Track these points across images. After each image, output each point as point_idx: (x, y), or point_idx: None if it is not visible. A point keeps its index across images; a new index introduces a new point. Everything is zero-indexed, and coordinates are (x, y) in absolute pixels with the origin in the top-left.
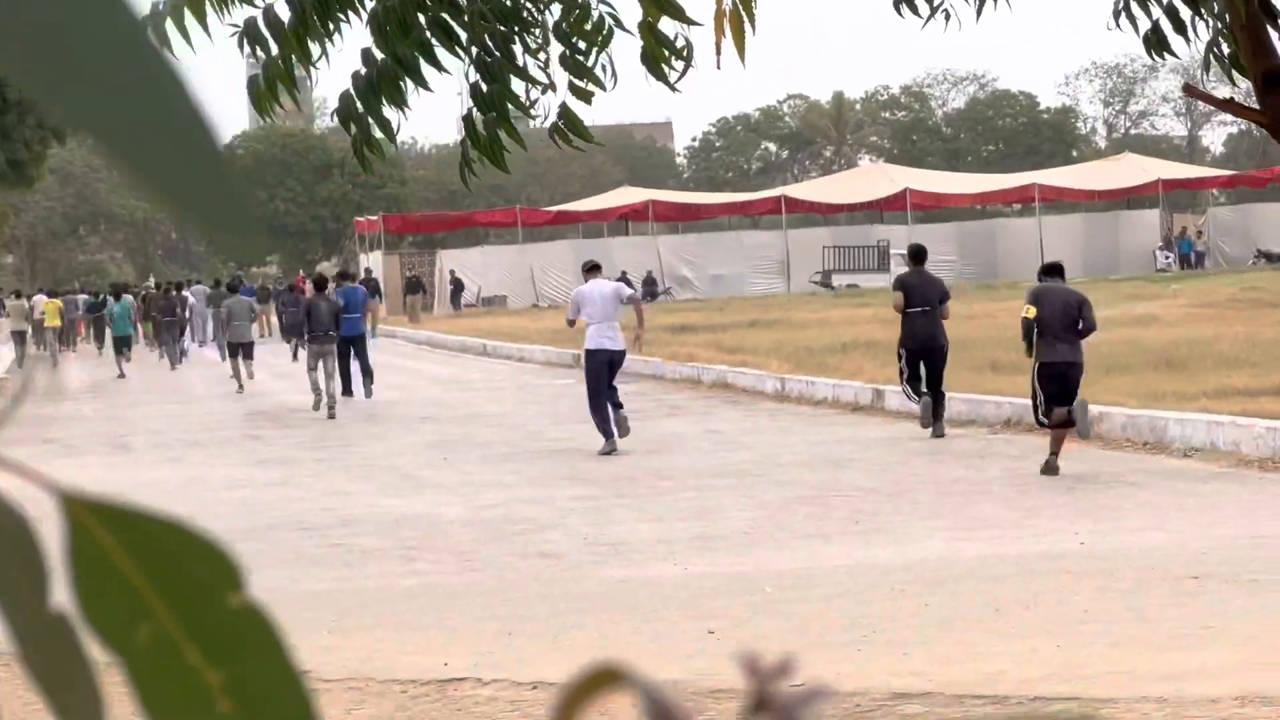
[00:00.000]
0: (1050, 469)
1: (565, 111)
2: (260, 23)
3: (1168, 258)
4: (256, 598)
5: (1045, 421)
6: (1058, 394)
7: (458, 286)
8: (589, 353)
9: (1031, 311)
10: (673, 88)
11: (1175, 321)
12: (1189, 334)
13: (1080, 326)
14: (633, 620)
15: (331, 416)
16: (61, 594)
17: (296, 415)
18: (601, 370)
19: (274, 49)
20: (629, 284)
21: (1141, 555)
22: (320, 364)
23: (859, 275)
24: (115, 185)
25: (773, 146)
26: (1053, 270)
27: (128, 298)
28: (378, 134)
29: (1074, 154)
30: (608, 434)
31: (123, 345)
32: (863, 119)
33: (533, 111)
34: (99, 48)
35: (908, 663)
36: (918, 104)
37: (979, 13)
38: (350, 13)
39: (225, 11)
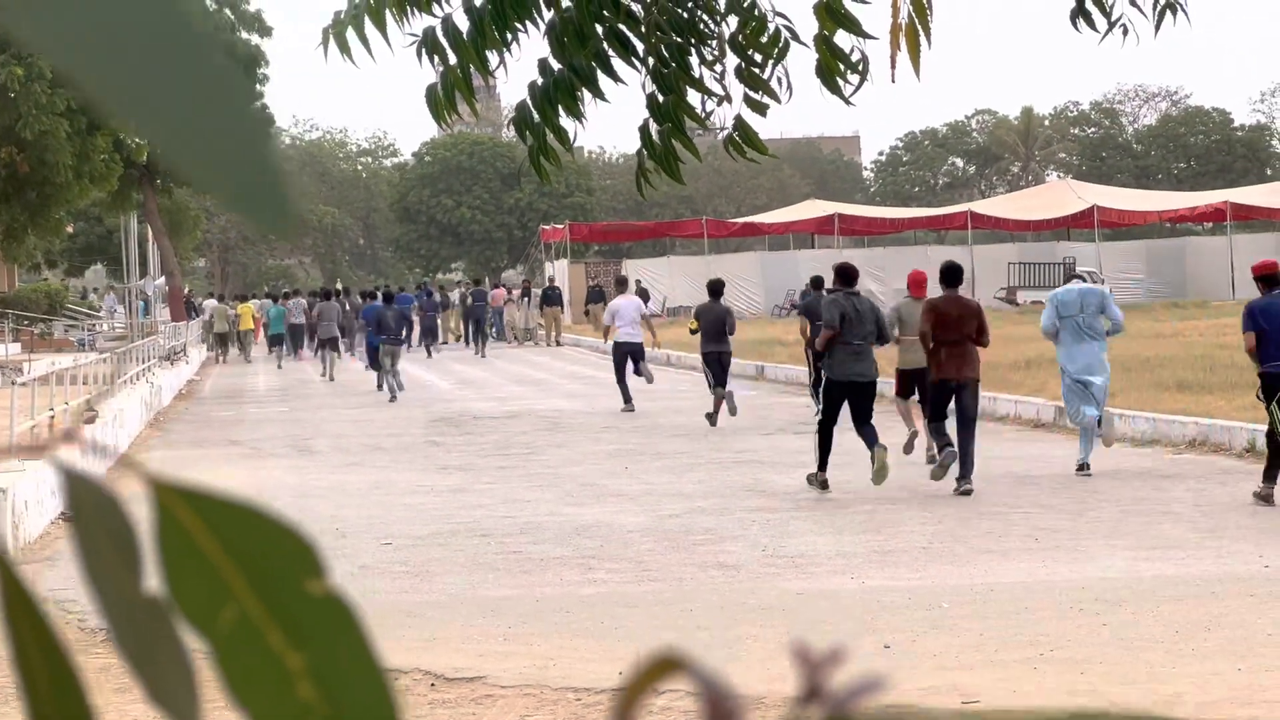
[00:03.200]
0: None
1: (740, 123)
2: (439, 32)
3: None
4: (337, 585)
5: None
6: None
7: (644, 297)
8: (617, 344)
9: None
10: (847, 101)
11: None
12: None
13: None
14: (809, 633)
15: (393, 400)
16: (153, 580)
17: (479, 422)
18: (624, 356)
19: (452, 58)
20: (646, 299)
21: None
22: (389, 360)
23: (1044, 292)
24: (305, 190)
25: (960, 162)
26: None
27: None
28: (554, 144)
29: (1268, 172)
30: (627, 398)
31: (277, 343)
32: (1051, 135)
33: (708, 123)
34: (136, 25)
35: (1084, 682)
36: (1108, 120)
37: (1158, 26)
38: (528, 23)
39: (405, 21)
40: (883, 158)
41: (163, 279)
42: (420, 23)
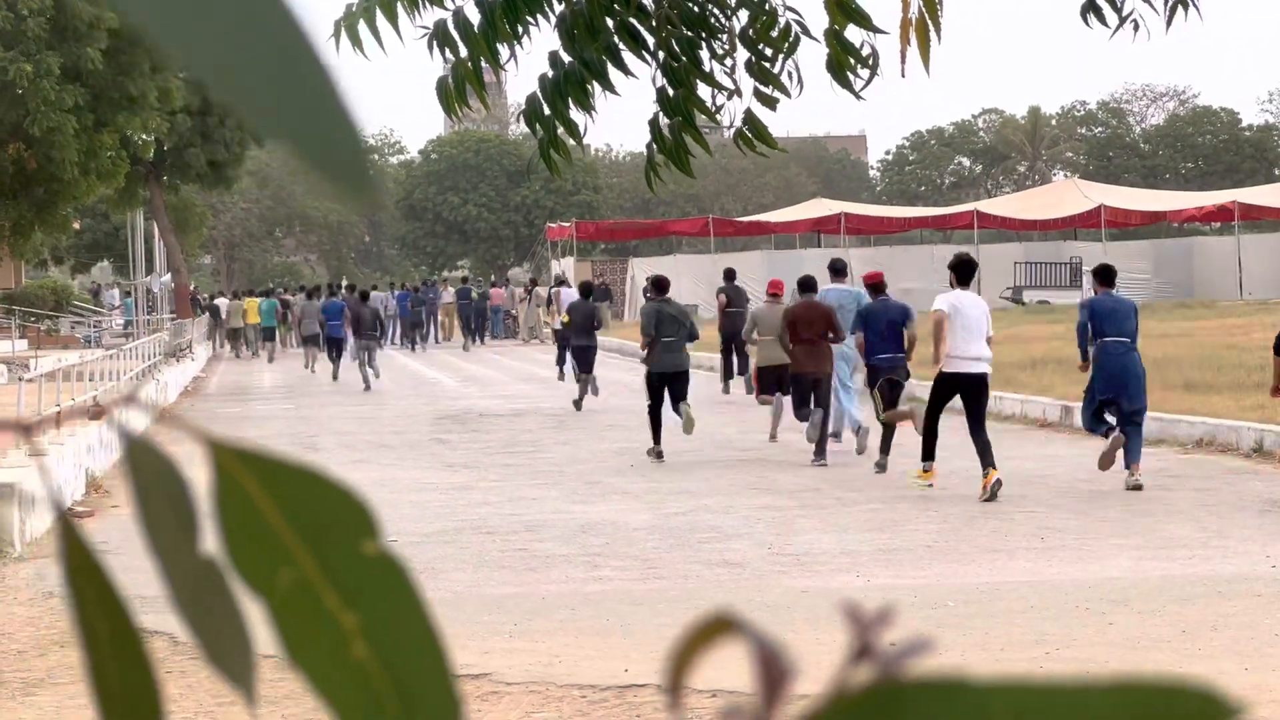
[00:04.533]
0: None
1: (750, 117)
2: (450, 24)
3: None
4: (390, 547)
5: None
6: None
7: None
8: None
9: None
10: (858, 96)
11: None
12: None
13: None
14: (815, 630)
15: (366, 389)
16: (210, 541)
17: (485, 420)
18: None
19: (463, 51)
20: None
21: None
22: (365, 354)
23: (1050, 292)
24: (311, 188)
25: (966, 161)
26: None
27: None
28: (564, 137)
29: (1276, 172)
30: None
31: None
32: (1058, 134)
33: (718, 117)
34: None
35: None
36: (1115, 120)
37: (1169, 22)
38: (539, 16)
39: (416, 13)
40: (889, 157)
41: (169, 276)
42: (431, 15)
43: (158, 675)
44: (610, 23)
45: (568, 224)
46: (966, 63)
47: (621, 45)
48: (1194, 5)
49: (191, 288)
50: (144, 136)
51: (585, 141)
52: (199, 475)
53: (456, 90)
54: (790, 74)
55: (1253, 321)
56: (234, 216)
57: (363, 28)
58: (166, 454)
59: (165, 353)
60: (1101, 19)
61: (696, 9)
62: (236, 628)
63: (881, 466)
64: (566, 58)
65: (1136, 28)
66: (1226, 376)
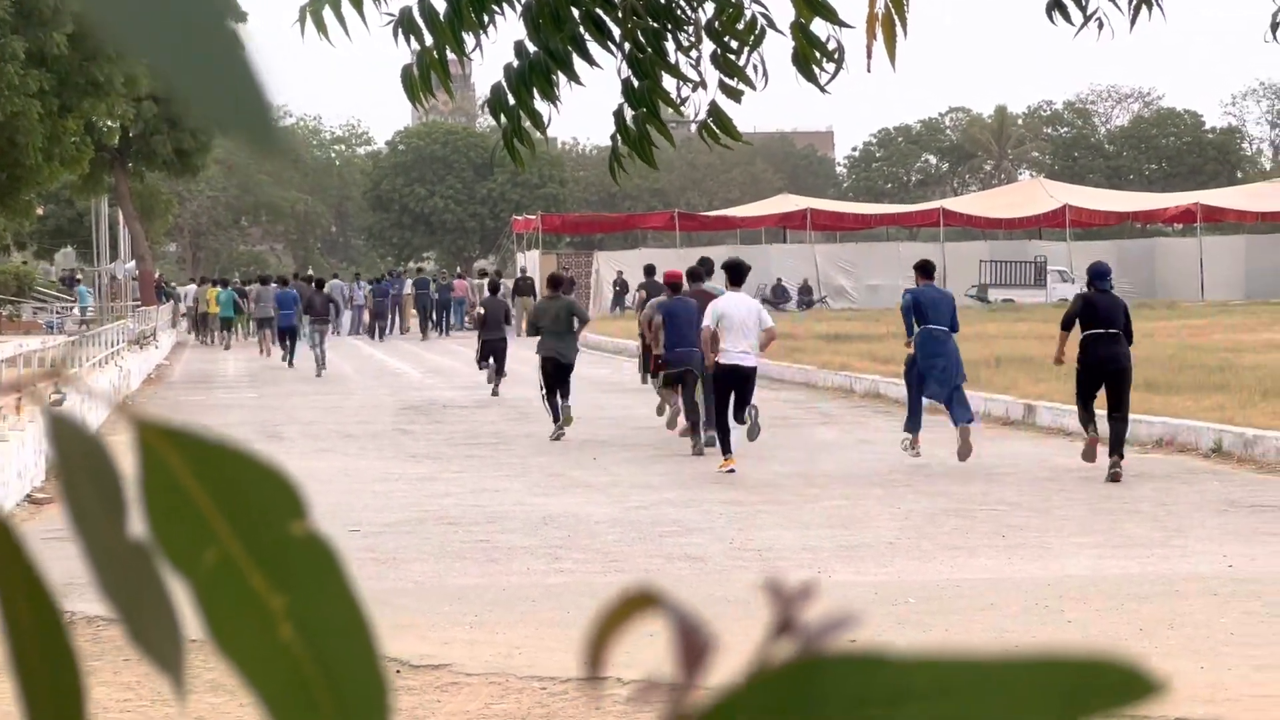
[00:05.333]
0: None
1: (715, 110)
2: (415, 12)
3: None
4: (319, 527)
5: None
6: None
7: (623, 288)
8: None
9: None
10: (823, 89)
11: None
12: None
13: None
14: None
15: (319, 375)
16: (137, 521)
17: (448, 411)
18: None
19: (428, 39)
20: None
21: None
22: (317, 337)
23: (1015, 290)
24: (279, 178)
25: (933, 159)
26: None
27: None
28: (529, 128)
29: (1238, 175)
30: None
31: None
32: (1024, 134)
33: (683, 109)
34: None
35: None
36: (1080, 120)
37: (1133, 22)
38: (504, 5)
39: (382, 1)
40: (856, 153)
41: (133, 263)
42: (397, 3)
43: (82, 666)
44: (576, 13)
45: (533, 217)
46: (934, 61)
47: (587, 35)
48: (1158, 5)
49: (156, 275)
50: (109, 123)
51: (551, 134)
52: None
53: (421, 79)
54: (756, 67)
55: (1213, 323)
56: (200, 204)
57: (328, 14)
58: (92, 432)
59: (129, 340)
60: (1066, 17)
61: (663, 0)
62: (165, 611)
63: (698, 449)
64: (532, 47)
65: (1101, 26)
66: (1186, 377)
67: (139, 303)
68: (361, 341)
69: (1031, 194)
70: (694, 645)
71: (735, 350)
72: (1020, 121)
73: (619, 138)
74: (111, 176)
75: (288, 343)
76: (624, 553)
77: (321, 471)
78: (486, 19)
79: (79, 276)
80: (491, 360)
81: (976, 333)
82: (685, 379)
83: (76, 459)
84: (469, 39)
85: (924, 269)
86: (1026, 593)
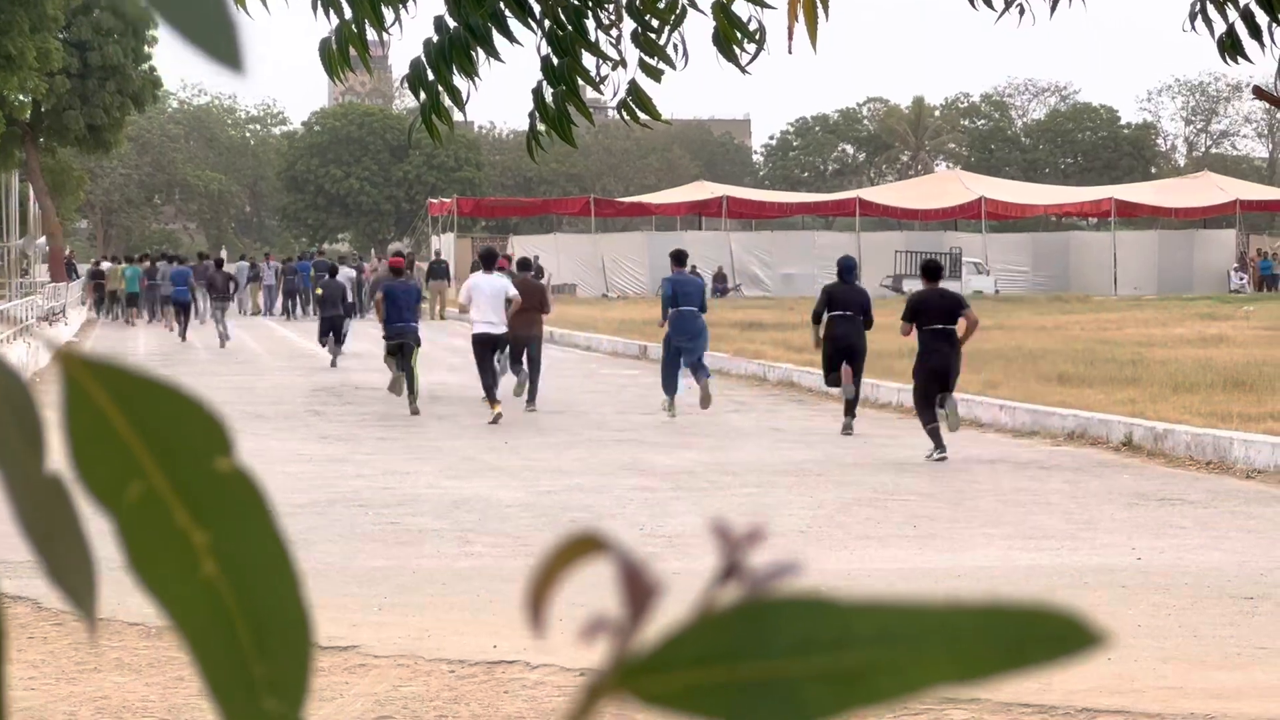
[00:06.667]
0: None
1: (634, 89)
2: None
3: (1242, 278)
4: (245, 463)
5: None
6: None
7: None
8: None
9: None
10: (743, 70)
11: (1246, 342)
12: (1259, 355)
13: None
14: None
15: (222, 347)
16: (56, 456)
17: (361, 393)
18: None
19: (348, 13)
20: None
21: (1198, 573)
22: (218, 313)
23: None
24: (192, 156)
25: (850, 149)
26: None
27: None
28: (447, 103)
29: (1153, 170)
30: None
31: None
32: (941, 125)
33: (603, 87)
34: None
35: None
36: (998, 113)
37: (1053, 8)
38: None
39: None
40: (773, 142)
41: (43, 239)
42: None
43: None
44: None
45: (449, 200)
46: (852, 51)
47: (507, 12)
48: None
49: (67, 252)
50: (21, 97)
51: (468, 118)
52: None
53: (340, 54)
54: (676, 46)
55: (1126, 316)
56: (112, 182)
57: None
58: (9, 364)
59: (38, 316)
60: (988, 2)
61: None
62: (79, 548)
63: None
64: (452, 23)
65: (1022, 12)
66: (1099, 370)
67: (49, 280)
68: (275, 322)
69: (948, 185)
70: (639, 587)
71: (483, 321)
72: (938, 113)
73: (537, 115)
74: (22, 151)
75: (180, 316)
76: (534, 537)
77: None
78: None
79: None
80: (331, 335)
81: (890, 323)
82: (404, 349)
83: None
84: (389, 14)
85: (677, 258)
86: (936, 582)
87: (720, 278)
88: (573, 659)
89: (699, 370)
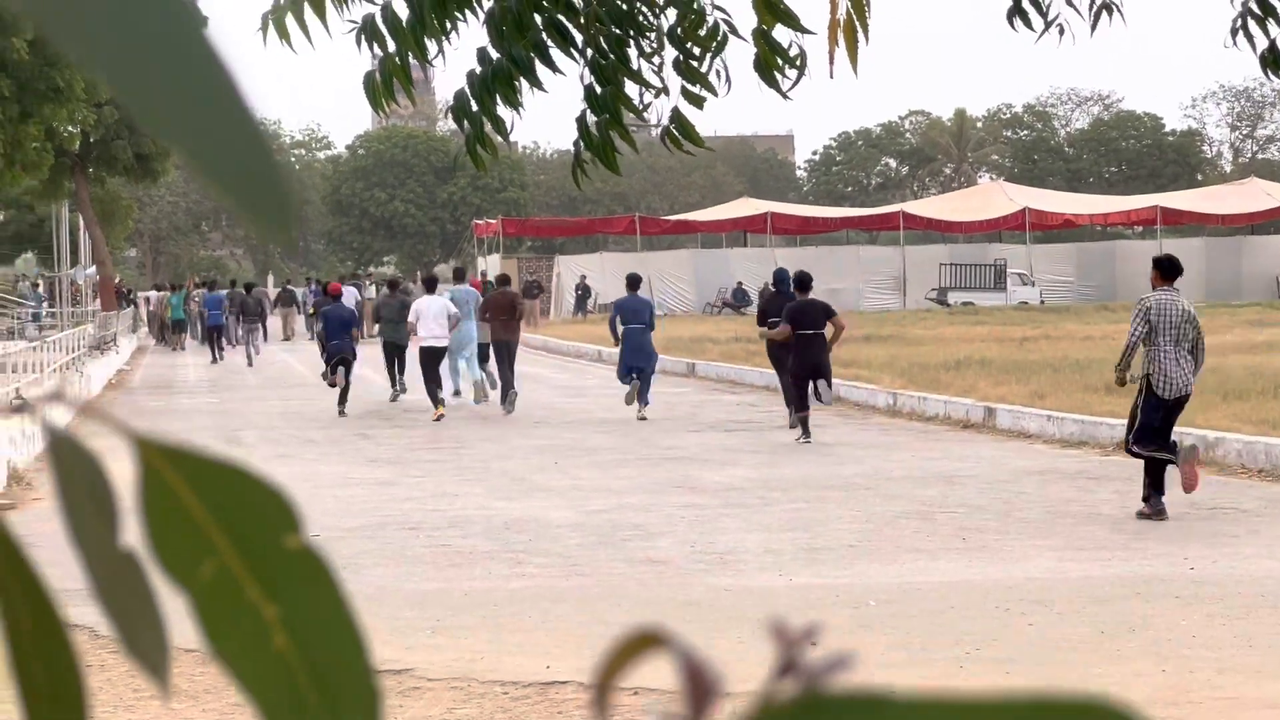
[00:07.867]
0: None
1: (677, 115)
2: (378, 19)
3: None
4: (312, 540)
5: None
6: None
7: (585, 292)
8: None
9: None
10: (785, 95)
11: None
12: None
13: None
14: (738, 629)
15: (250, 364)
16: (130, 533)
17: (408, 416)
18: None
19: (391, 46)
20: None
21: (1252, 582)
22: (249, 336)
23: (975, 293)
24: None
25: (893, 162)
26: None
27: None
28: (491, 133)
29: (1198, 178)
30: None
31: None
32: (984, 137)
33: (645, 115)
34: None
35: (1010, 681)
36: (1040, 123)
37: (1094, 27)
38: (468, 11)
39: (344, 8)
40: (816, 157)
41: (94, 268)
42: (360, 9)
43: (82, 668)
44: (539, 20)
45: (494, 221)
46: (894, 65)
47: (550, 42)
48: (1118, 10)
49: (116, 280)
50: (70, 128)
51: (512, 139)
52: (120, 468)
53: (384, 85)
54: (718, 73)
55: None
56: (160, 210)
57: (290, 22)
58: (88, 447)
59: (90, 345)
60: (1027, 23)
61: (625, 6)
62: (153, 619)
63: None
64: (495, 54)
65: (1062, 32)
66: None
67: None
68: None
69: (991, 197)
70: (700, 684)
71: (428, 335)
72: (980, 124)
73: (582, 143)
74: (72, 182)
75: (215, 339)
76: (586, 557)
77: (282, 476)
78: (449, 25)
79: (27, 279)
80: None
81: (935, 336)
82: (345, 362)
83: (72, 471)
84: (431, 45)
85: (631, 281)
86: (987, 595)
87: (740, 294)
88: (626, 679)
89: (642, 385)
